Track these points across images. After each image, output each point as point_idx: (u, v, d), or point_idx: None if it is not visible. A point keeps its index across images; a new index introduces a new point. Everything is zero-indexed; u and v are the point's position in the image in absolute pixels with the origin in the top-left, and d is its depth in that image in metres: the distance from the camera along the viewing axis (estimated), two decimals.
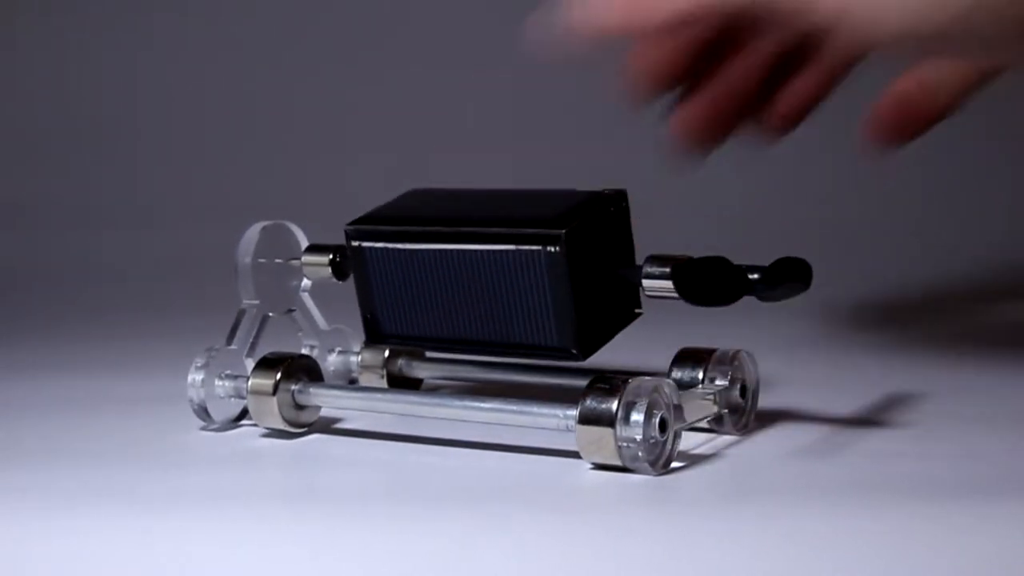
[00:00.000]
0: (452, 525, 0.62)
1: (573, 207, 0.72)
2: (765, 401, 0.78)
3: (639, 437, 0.67)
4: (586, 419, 0.67)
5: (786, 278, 0.70)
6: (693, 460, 0.71)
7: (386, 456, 0.75)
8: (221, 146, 1.71)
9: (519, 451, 0.73)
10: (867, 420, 0.79)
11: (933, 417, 0.80)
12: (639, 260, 0.73)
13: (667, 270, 0.71)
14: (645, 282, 0.72)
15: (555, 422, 0.69)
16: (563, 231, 0.71)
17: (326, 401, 0.78)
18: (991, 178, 1.67)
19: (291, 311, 0.85)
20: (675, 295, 0.72)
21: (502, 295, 0.73)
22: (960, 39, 0.54)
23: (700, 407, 0.73)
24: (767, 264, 0.70)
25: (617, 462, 0.67)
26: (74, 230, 1.59)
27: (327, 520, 0.63)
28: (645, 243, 0.75)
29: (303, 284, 0.85)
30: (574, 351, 0.73)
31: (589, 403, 0.67)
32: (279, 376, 0.76)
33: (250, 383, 0.77)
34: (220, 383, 0.79)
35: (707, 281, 0.70)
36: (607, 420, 0.66)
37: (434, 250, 0.75)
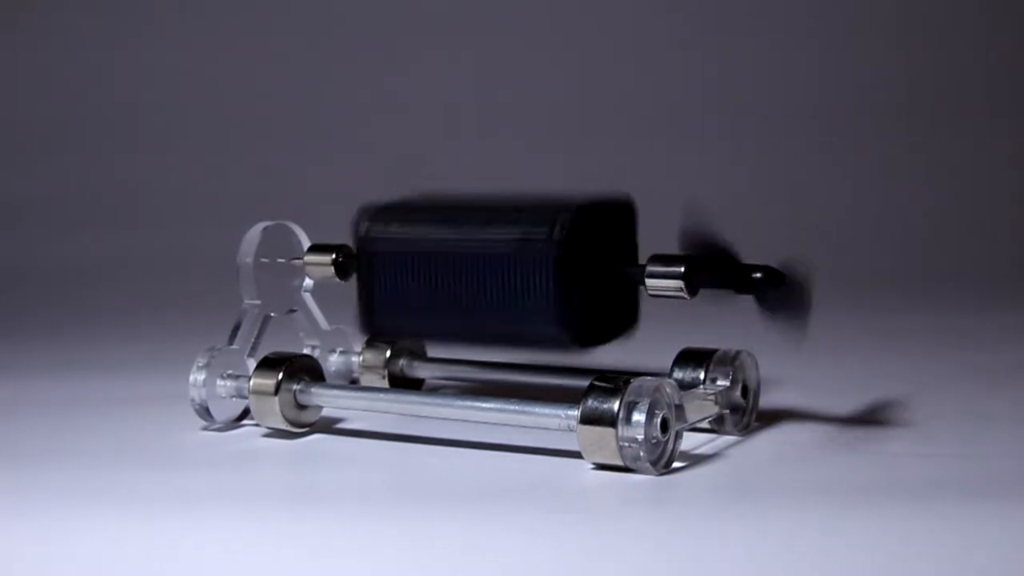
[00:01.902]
0: (453, 525, 0.62)
1: (577, 204, 0.73)
2: (766, 401, 0.78)
3: (640, 437, 0.67)
4: (588, 419, 0.67)
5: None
6: (694, 460, 0.71)
7: (388, 456, 0.75)
8: (221, 146, 1.71)
9: (520, 451, 0.73)
10: (868, 421, 0.79)
11: (934, 418, 0.80)
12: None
13: (671, 269, 0.72)
14: (649, 281, 0.72)
15: (557, 422, 0.69)
16: (566, 219, 0.71)
17: (328, 401, 0.78)
18: (991, 182, 1.66)
19: (293, 311, 0.85)
20: (679, 294, 0.72)
21: (505, 283, 0.73)
22: None
23: (701, 407, 0.73)
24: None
25: (619, 462, 0.67)
26: (74, 230, 1.59)
27: (328, 520, 0.63)
28: (646, 244, 0.75)
29: (305, 284, 0.85)
30: (569, 338, 0.72)
31: (591, 403, 0.67)
32: (281, 376, 0.76)
33: (252, 383, 0.77)
34: (222, 383, 0.79)
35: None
36: (609, 420, 0.67)
37: (441, 237, 0.75)
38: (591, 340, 0.73)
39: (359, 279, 0.78)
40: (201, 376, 0.78)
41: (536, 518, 0.63)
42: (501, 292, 0.73)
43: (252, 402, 0.77)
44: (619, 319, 0.75)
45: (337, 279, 0.82)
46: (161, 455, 0.76)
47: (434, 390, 0.88)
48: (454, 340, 0.80)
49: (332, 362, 0.88)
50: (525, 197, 0.76)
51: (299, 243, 0.84)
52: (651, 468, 0.67)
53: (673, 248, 0.73)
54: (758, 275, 0.70)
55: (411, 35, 1.78)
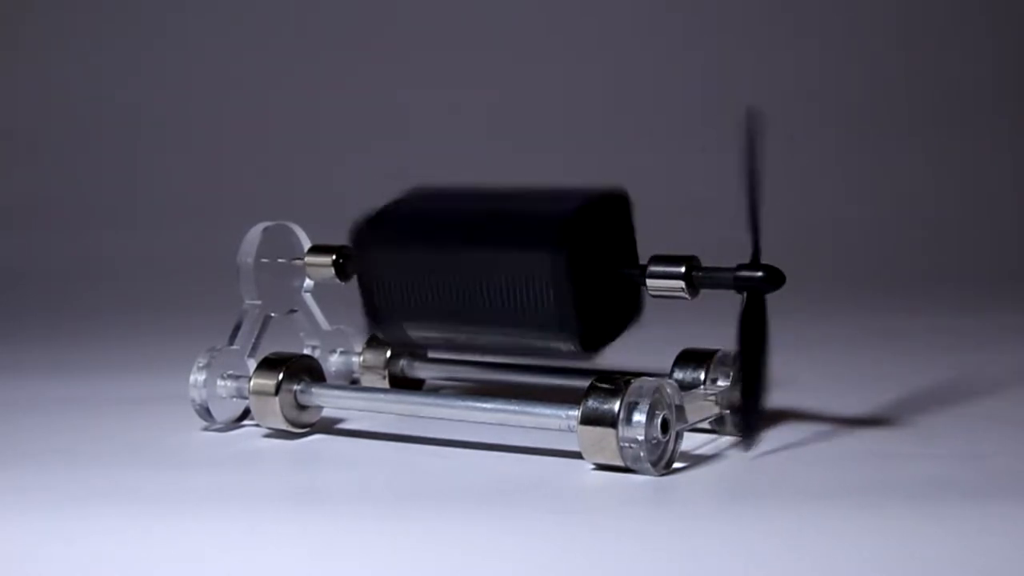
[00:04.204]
0: (453, 525, 0.62)
1: (574, 208, 0.72)
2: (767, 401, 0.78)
3: (641, 438, 0.67)
4: (588, 419, 0.67)
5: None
6: (695, 461, 0.71)
7: (388, 456, 0.75)
8: (221, 147, 1.71)
9: (521, 451, 0.73)
10: (868, 421, 0.79)
11: (934, 418, 0.80)
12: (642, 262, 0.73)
13: (672, 269, 0.71)
14: (650, 282, 0.72)
15: (557, 422, 0.69)
16: (564, 235, 0.71)
17: (328, 401, 0.78)
18: (991, 182, 1.67)
19: (293, 311, 0.85)
20: (680, 294, 0.72)
21: (508, 298, 0.73)
22: None
23: (702, 408, 0.73)
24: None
25: (619, 463, 0.67)
26: (74, 230, 1.59)
27: (328, 520, 0.63)
28: (646, 244, 0.75)
29: (305, 284, 0.85)
30: (577, 347, 0.72)
31: (591, 403, 0.67)
32: (281, 376, 0.76)
33: (252, 383, 0.77)
34: (222, 383, 0.79)
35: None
36: (609, 420, 0.67)
37: (439, 254, 0.75)
38: (599, 343, 0.73)
39: (360, 285, 0.78)
40: (201, 376, 0.78)
41: (536, 518, 0.63)
42: (502, 309, 0.73)
43: (252, 402, 0.77)
44: (622, 315, 0.75)
45: (337, 280, 0.82)
46: (161, 455, 0.76)
47: (434, 390, 0.88)
48: (456, 349, 0.80)
49: (332, 362, 0.88)
50: (520, 201, 0.76)
51: (299, 243, 0.84)
52: (651, 469, 0.67)
53: (673, 248, 0.73)
54: (760, 275, 0.70)
55: (411, 35, 1.78)
